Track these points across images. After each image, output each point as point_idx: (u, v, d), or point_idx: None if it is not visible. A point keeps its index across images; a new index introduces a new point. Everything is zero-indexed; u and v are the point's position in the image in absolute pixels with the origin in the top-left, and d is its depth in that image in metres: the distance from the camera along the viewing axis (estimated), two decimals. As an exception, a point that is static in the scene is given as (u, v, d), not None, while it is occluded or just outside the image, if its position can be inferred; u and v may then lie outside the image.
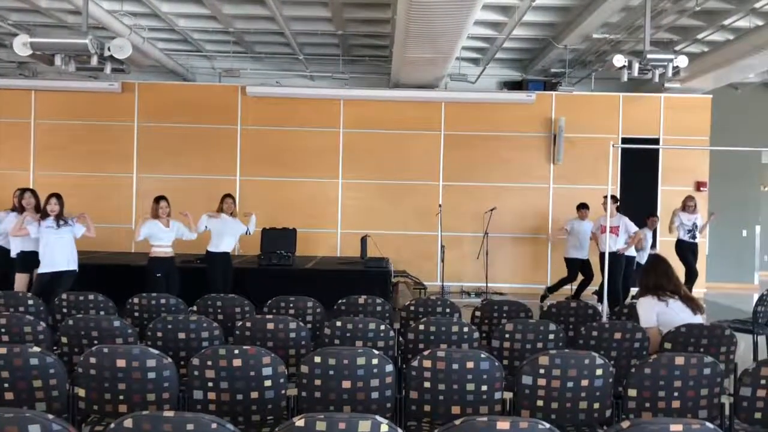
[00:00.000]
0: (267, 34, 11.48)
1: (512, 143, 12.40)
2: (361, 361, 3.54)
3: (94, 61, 8.21)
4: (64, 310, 5.43)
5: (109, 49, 8.17)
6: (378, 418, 2.45)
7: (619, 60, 8.45)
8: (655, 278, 4.87)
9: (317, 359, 3.55)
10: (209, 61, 12.89)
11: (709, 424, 2.46)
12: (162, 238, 7.78)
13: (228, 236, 8.47)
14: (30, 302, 5.44)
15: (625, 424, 2.46)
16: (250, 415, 3.58)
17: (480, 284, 11.95)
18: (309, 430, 2.42)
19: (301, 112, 12.29)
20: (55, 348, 4.56)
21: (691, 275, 10.66)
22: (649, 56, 8.34)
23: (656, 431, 2.44)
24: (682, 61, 8.39)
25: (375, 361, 3.56)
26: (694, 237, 10.81)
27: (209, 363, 3.52)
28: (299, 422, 2.43)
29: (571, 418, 3.61)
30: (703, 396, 3.60)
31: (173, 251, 7.95)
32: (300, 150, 12.32)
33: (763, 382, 3.56)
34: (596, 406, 3.60)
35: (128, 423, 2.41)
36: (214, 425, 2.42)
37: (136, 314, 5.45)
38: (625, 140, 12.10)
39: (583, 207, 10.82)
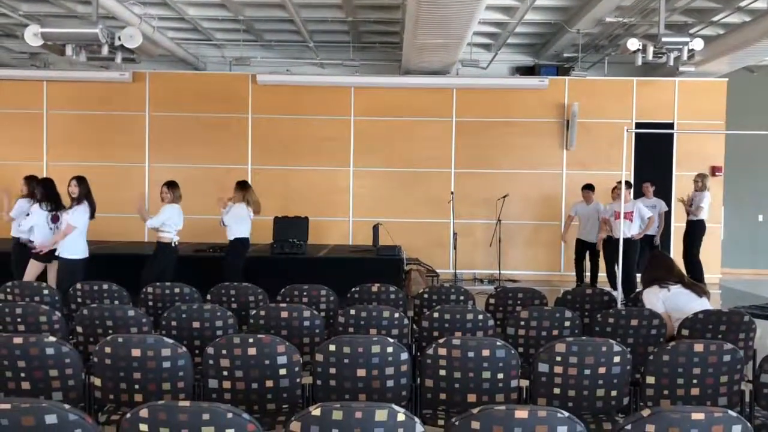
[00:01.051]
0: (277, 22, 11.42)
1: (525, 129, 12.30)
2: (376, 349, 3.53)
3: (105, 50, 8.21)
4: (79, 300, 5.45)
5: (119, 39, 8.18)
6: (395, 407, 2.43)
7: (633, 44, 8.35)
8: (657, 272, 4.88)
9: (332, 347, 3.54)
10: (219, 49, 12.85)
11: (731, 412, 2.42)
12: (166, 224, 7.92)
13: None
14: (45, 292, 5.45)
15: (646, 413, 2.43)
16: (265, 404, 3.57)
17: (493, 271, 11.91)
18: (325, 419, 2.41)
19: (312, 100, 12.24)
20: (70, 337, 4.58)
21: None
22: (663, 39, 8.23)
23: (678, 420, 2.40)
24: (697, 44, 8.29)
25: (390, 350, 3.54)
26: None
27: (224, 352, 3.51)
28: (315, 411, 2.42)
29: (588, 406, 3.58)
30: (723, 383, 3.56)
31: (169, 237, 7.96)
32: (311, 138, 12.29)
33: (784, 368, 3.51)
34: (614, 393, 3.57)
35: (144, 413, 2.40)
36: (230, 415, 2.41)
37: (150, 303, 5.45)
38: (639, 125, 11.98)
39: (587, 188, 10.74)
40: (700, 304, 4.75)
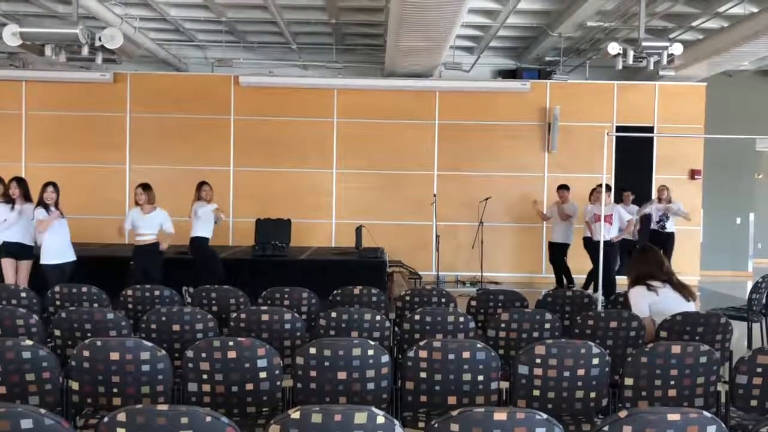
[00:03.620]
0: (260, 23, 11.40)
1: (507, 132, 12.36)
2: (356, 352, 3.53)
3: (85, 51, 8.14)
4: (57, 303, 5.39)
5: (100, 39, 8.10)
6: (374, 409, 2.43)
7: (614, 48, 8.42)
8: (647, 268, 4.85)
9: (312, 350, 3.53)
10: (202, 50, 12.81)
11: (706, 413, 2.45)
12: (139, 227, 7.98)
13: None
14: (23, 294, 5.39)
15: (623, 414, 2.45)
16: (245, 407, 3.55)
17: (475, 273, 11.94)
18: (305, 423, 2.41)
19: (295, 101, 12.22)
20: (48, 341, 4.53)
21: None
22: (644, 44, 8.31)
23: (654, 421, 2.43)
24: (677, 49, 8.37)
25: (371, 352, 3.54)
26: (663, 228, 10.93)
27: (204, 355, 3.49)
28: (295, 414, 2.41)
29: (568, 408, 3.60)
30: (699, 384, 3.60)
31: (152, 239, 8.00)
32: (294, 140, 12.27)
33: (759, 370, 3.55)
34: (593, 395, 3.60)
35: (122, 416, 2.39)
36: (208, 418, 2.40)
37: (130, 306, 5.42)
38: (619, 128, 12.06)
39: (563, 188, 10.81)
40: (686, 307, 4.76)
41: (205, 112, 12.18)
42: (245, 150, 12.28)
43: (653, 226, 10.98)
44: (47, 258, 7.36)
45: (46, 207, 7.30)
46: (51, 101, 12.11)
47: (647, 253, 5.00)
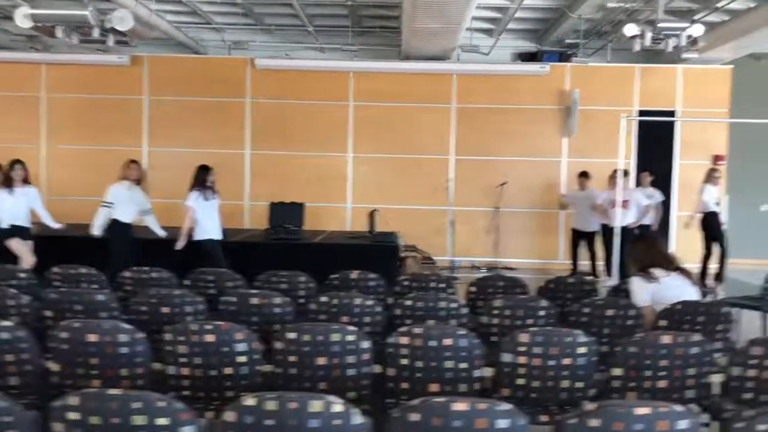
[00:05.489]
0: (276, 6, 11.30)
1: (525, 116, 12.15)
2: (336, 337, 3.47)
3: (96, 33, 8.14)
4: (56, 284, 5.41)
5: (110, 21, 8.09)
6: (331, 398, 2.37)
7: (630, 29, 8.20)
8: (652, 257, 4.72)
9: (291, 335, 3.49)
10: (219, 33, 12.76)
11: (677, 407, 2.35)
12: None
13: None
14: (22, 275, 5.42)
15: (591, 407, 2.36)
16: (224, 391, 3.52)
17: (491, 259, 11.82)
18: (259, 410, 2.36)
19: (311, 85, 12.14)
20: (40, 321, 4.54)
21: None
22: (661, 25, 8.07)
23: (623, 414, 2.33)
24: (696, 30, 8.13)
25: (350, 338, 3.48)
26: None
27: (181, 338, 3.47)
28: (249, 401, 2.36)
29: (553, 398, 3.51)
30: (691, 376, 3.48)
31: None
32: (310, 123, 12.19)
33: (753, 362, 3.42)
34: (579, 385, 3.50)
35: (74, 400, 2.36)
36: (162, 403, 2.36)
37: (129, 288, 5.42)
38: (641, 113, 11.80)
39: (583, 175, 10.65)
40: (689, 295, 4.63)
41: (221, 94, 12.16)
42: (261, 133, 12.25)
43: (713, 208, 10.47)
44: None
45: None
46: (69, 84, 12.18)
47: (652, 242, 4.87)
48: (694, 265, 10.23)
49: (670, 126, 12.00)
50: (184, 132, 12.17)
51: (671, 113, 11.91)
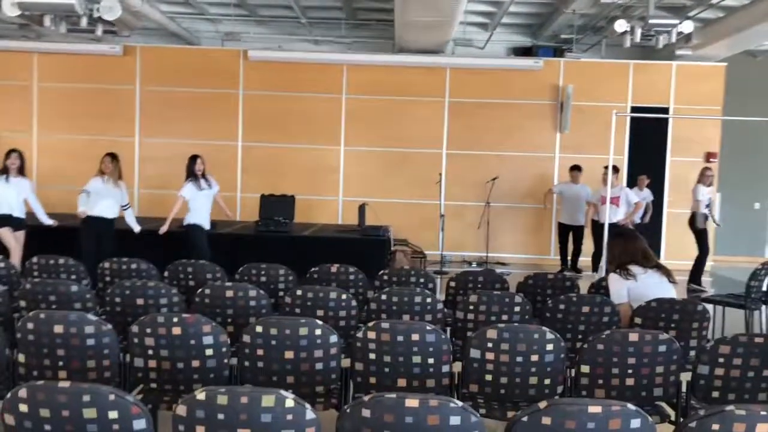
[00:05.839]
0: (270, -3, 11.28)
1: (518, 111, 12.12)
2: (303, 331, 3.46)
3: (84, 22, 8.10)
4: (35, 274, 5.40)
5: (98, 11, 8.05)
6: (283, 392, 2.36)
7: (621, 25, 8.18)
8: (630, 254, 4.69)
9: (258, 329, 3.48)
10: (213, 24, 12.72)
11: (630, 406, 2.33)
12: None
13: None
14: (1, 265, 5.41)
15: (542, 405, 2.34)
16: (192, 384, 3.51)
17: (482, 254, 11.80)
18: (210, 404, 2.34)
19: (304, 77, 12.09)
20: (15, 313, 4.53)
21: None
22: (651, 21, 8.04)
23: (573, 413, 2.32)
24: (686, 27, 8.11)
25: (318, 332, 3.47)
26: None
27: (148, 331, 3.45)
28: (200, 396, 2.35)
29: (522, 394, 3.50)
30: (659, 374, 3.47)
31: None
32: (302, 116, 12.16)
33: (721, 360, 3.41)
34: (547, 382, 3.49)
35: (23, 393, 2.35)
36: (112, 396, 2.35)
37: (108, 279, 5.41)
38: (634, 109, 11.76)
39: (574, 169, 10.67)
40: (666, 292, 4.61)
41: (213, 86, 12.11)
42: (253, 125, 12.22)
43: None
44: None
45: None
46: (61, 73, 12.13)
47: (627, 239, 4.84)
48: (685, 262, 10.26)
49: (662, 123, 11.97)
50: (176, 123, 12.13)
51: (665, 110, 11.87)
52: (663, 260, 11.70)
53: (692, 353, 4.24)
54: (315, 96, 12.15)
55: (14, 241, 7.60)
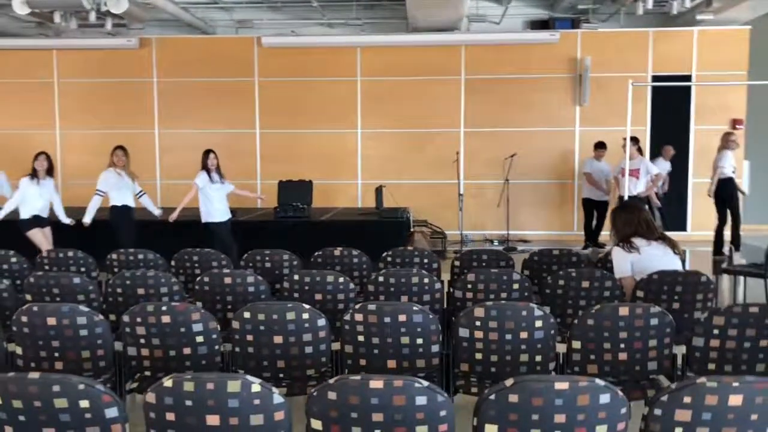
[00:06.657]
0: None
1: (536, 86, 11.93)
2: (290, 316, 3.47)
3: (92, 17, 8.18)
4: (46, 268, 5.50)
5: (105, 4, 8.12)
6: (249, 377, 2.37)
7: (632, -9, 7.97)
8: (634, 227, 4.59)
9: (246, 315, 3.49)
10: (227, 12, 12.74)
11: (599, 381, 2.29)
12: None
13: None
14: (14, 260, 5.52)
15: (509, 382, 2.31)
16: (184, 371, 3.54)
17: (504, 232, 11.70)
18: (177, 391, 2.36)
19: (318, 61, 12.06)
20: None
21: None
22: (663, -14, 7.83)
23: (540, 389, 2.28)
24: (702, -10, 7.86)
25: (305, 316, 3.48)
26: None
27: (139, 320, 3.50)
28: (167, 383, 2.37)
29: (512, 372, 3.46)
30: (652, 347, 3.40)
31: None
32: (318, 100, 12.13)
33: (716, 332, 3.33)
34: (538, 359, 3.45)
35: (-7, 384, 2.39)
36: (81, 386, 2.38)
37: (116, 270, 5.48)
38: (656, 78, 11.50)
39: (599, 146, 10.53)
40: (671, 264, 4.52)
41: (229, 74, 12.16)
42: (270, 112, 12.24)
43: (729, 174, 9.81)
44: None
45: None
46: (81, 69, 12.28)
47: (630, 211, 4.74)
48: (709, 233, 10.06)
49: (685, 91, 11.69)
50: (194, 113, 12.22)
51: (687, 78, 11.59)
52: (689, 231, 11.57)
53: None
54: (330, 80, 12.12)
55: (45, 240, 7.74)
